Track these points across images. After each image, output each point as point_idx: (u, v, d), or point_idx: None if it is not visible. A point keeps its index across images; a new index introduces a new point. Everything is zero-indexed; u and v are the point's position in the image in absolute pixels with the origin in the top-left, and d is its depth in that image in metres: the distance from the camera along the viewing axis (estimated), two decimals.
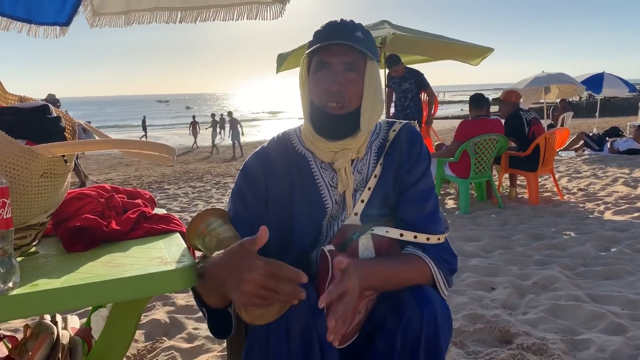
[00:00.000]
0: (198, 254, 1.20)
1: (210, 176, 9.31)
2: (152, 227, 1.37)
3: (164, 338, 2.25)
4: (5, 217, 0.90)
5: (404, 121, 1.29)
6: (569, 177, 6.56)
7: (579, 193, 5.46)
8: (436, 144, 6.24)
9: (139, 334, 2.26)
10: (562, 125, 11.20)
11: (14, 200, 1.03)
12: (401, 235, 1.16)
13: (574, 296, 2.51)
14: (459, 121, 5.21)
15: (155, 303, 2.65)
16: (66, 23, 2.16)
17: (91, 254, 1.19)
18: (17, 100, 1.27)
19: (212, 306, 1.11)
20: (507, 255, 3.34)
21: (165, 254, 1.17)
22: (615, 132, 10.11)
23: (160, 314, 2.49)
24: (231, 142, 16.25)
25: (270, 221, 1.21)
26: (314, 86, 1.15)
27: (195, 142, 19.35)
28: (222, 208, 1.23)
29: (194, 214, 5.30)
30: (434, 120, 7.18)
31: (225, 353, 1.68)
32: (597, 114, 14.17)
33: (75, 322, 1.78)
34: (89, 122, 1.45)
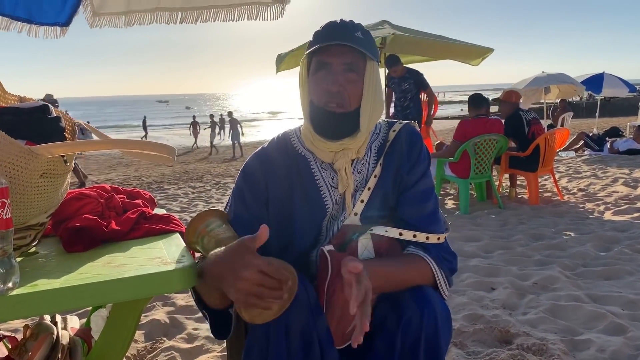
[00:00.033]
0: (198, 254, 1.20)
1: (210, 176, 9.31)
2: (151, 228, 1.37)
3: (164, 338, 2.25)
4: (5, 217, 0.90)
5: (404, 121, 1.29)
6: (569, 177, 6.56)
7: (579, 193, 5.46)
8: (436, 143, 6.24)
9: (139, 334, 2.26)
10: (562, 125, 11.20)
11: (14, 200, 1.03)
12: (400, 234, 1.16)
13: (574, 296, 2.51)
14: (458, 121, 5.21)
15: (155, 303, 2.65)
16: (66, 23, 2.16)
17: (91, 254, 1.19)
18: (17, 100, 1.27)
19: (212, 307, 1.11)
20: (507, 255, 3.34)
21: (165, 254, 1.17)
22: (615, 133, 10.11)
23: (160, 314, 2.49)
24: (231, 143, 16.24)
25: (271, 221, 1.21)
26: (314, 87, 1.15)
27: (195, 142, 19.34)
28: (220, 209, 1.23)
29: (193, 214, 5.30)
30: (434, 121, 7.18)
31: (225, 353, 1.68)
32: (597, 114, 14.17)
33: (75, 322, 1.78)
34: (88, 122, 1.45)
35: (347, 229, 1.18)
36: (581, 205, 4.87)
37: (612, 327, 2.15)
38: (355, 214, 1.20)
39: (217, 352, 2.08)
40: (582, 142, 9.38)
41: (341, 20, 1.17)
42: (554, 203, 5.03)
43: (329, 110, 1.13)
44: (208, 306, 1.12)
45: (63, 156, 1.12)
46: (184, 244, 1.26)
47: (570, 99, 17.32)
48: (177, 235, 1.36)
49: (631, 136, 8.95)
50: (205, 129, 18.75)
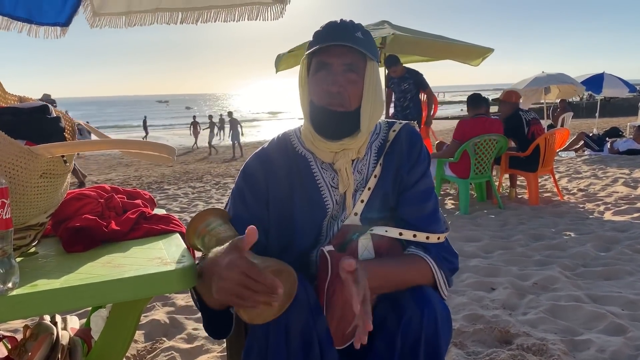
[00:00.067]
0: (198, 254, 1.20)
1: (210, 176, 9.31)
2: (151, 228, 1.36)
3: (164, 338, 2.25)
4: (4, 217, 0.90)
5: (404, 121, 1.29)
6: (569, 177, 6.56)
7: (579, 193, 5.46)
8: (437, 142, 6.24)
9: (139, 335, 2.26)
10: (562, 125, 11.21)
11: (14, 200, 1.03)
12: (400, 234, 1.16)
13: (574, 297, 2.51)
14: (457, 121, 5.22)
15: (155, 303, 2.65)
16: (66, 23, 2.16)
17: (91, 254, 1.19)
18: (17, 100, 1.27)
19: (211, 306, 1.11)
20: (507, 255, 3.34)
21: (164, 254, 1.17)
22: (615, 133, 10.11)
23: (160, 314, 2.49)
24: (231, 143, 16.24)
25: (271, 222, 1.21)
26: (314, 87, 1.15)
27: (195, 142, 19.32)
28: (221, 208, 1.23)
29: (193, 215, 5.26)
30: (434, 121, 7.17)
31: (225, 353, 1.68)
32: (597, 114, 14.17)
33: (74, 322, 1.78)
34: (87, 123, 1.45)
35: (347, 229, 1.18)
36: (581, 206, 4.87)
37: (612, 327, 2.15)
38: (356, 214, 1.20)
39: (217, 352, 2.08)
40: (582, 142, 9.39)
41: (341, 20, 1.17)
42: (554, 203, 5.03)
43: (330, 109, 1.13)
44: (208, 306, 1.12)
45: (63, 156, 1.12)
46: (184, 244, 1.26)
47: (570, 99, 17.32)
48: (177, 235, 1.36)
49: (631, 136, 8.96)
50: (204, 129, 18.74)
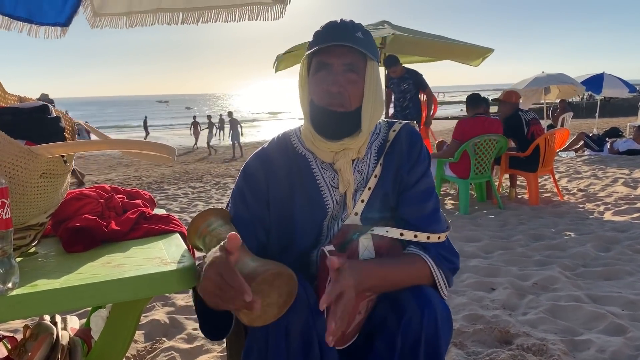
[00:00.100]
0: (199, 254, 1.20)
1: (210, 177, 9.31)
2: (151, 228, 1.36)
3: (164, 339, 2.24)
4: (4, 217, 0.90)
5: (404, 121, 1.29)
6: (568, 177, 6.56)
7: (579, 193, 5.46)
8: (437, 142, 6.24)
9: (139, 335, 2.25)
10: (561, 125, 11.21)
11: (14, 200, 1.03)
12: (401, 234, 1.16)
13: (574, 297, 2.51)
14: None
15: (155, 303, 2.64)
16: (66, 23, 2.16)
17: (91, 254, 1.19)
18: (17, 100, 1.27)
19: (211, 306, 1.11)
20: (507, 255, 3.34)
21: (164, 254, 1.17)
22: (615, 133, 10.11)
23: (160, 314, 2.49)
24: (231, 143, 16.24)
25: (271, 221, 1.21)
26: (315, 87, 1.15)
27: (196, 142, 19.30)
28: (223, 208, 1.23)
29: (193, 215, 5.30)
30: (434, 121, 7.16)
31: (225, 354, 1.68)
32: (597, 114, 14.18)
33: (74, 322, 1.78)
34: (87, 122, 1.45)
35: (347, 228, 1.18)
36: (581, 206, 4.87)
37: (612, 328, 2.15)
38: (356, 214, 1.20)
39: (217, 353, 2.08)
40: (582, 142, 9.39)
41: (341, 20, 1.17)
42: (554, 203, 5.03)
43: (330, 110, 1.13)
44: (209, 307, 1.12)
45: (63, 156, 1.12)
46: (184, 244, 1.26)
47: (570, 99, 17.32)
48: (177, 235, 1.36)
49: (631, 136, 8.96)
50: (203, 129, 18.74)
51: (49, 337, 1.34)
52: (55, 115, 1.22)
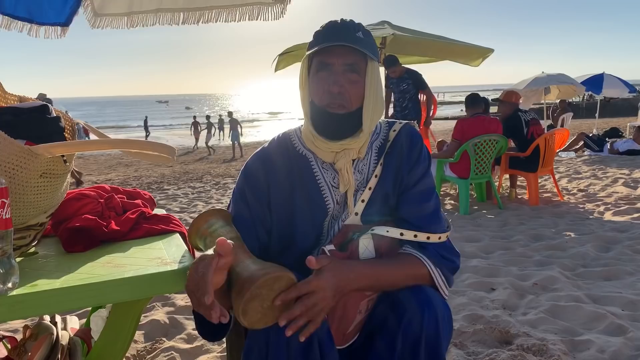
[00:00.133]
0: (199, 254, 1.20)
1: (210, 177, 9.31)
2: (151, 228, 1.36)
3: (164, 339, 2.24)
4: (4, 217, 0.90)
5: (404, 121, 1.29)
6: (568, 177, 6.56)
7: (579, 194, 5.46)
8: (437, 141, 6.24)
9: (139, 335, 2.25)
10: (561, 125, 11.21)
11: (14, 200, 1.02)
12: (401, 234, 1.16)
13: (573, 297, 2.50)
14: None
15: (155, 303, 2.64)
16: (66, 23, 2.16)
17: (91, 254, 1.19)
18: (17, 100, 1.27)
19: None
20: (507, 256, 3.34)
21: (164, 254, 1.17)
22: (615, 133, 10.12)
23: (160, 314, 2.49)
24: (231, 143, 16.23)
25: (272, 222, 1.21)
26: (315, 87, 1.15)
27: (196, 142, 19.28)
28: (224, 209, 1.23)
29: (193, 215, 5.30)
30: (433, 121, 7.15)
31: (225, 354, 1.68)
32: (597, 114, 14.18)
33: (74, 322, 1.78)
34: (86, 122, 1.44)
35: (348, 228, 1.18)
36: (581, 206, 4.87)
37: (612, 328, 2.15)
38: (356, 214, 1.19)
39: (217, 353, 2.08)
40: (582, 142, 9.39)
41: (342, 20, 1.16)
42: (554, 203, 5.03)
43: (331, 111, 1.13)
44: None
45: (63, 156, 1.12)
46: (184, 244, 1.26)
47: (570, 100, 17.32)
48: (177, 235, 1.36)
49: (631, 137, 8.96)
50: (203, 129, 18.74)
51: (48, 337, 1.34)
52: (55, 115, 1.22)
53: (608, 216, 4.39)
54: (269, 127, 33.22)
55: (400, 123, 1.27)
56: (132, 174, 10.66)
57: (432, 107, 6.64)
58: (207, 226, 1.13)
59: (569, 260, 3.13)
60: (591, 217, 4.41)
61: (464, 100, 5.18)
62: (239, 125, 16.21)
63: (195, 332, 2.28)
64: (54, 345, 1.34)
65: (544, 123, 9.64)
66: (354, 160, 1.21)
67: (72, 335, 1.51)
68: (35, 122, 1.16)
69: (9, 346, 1.45)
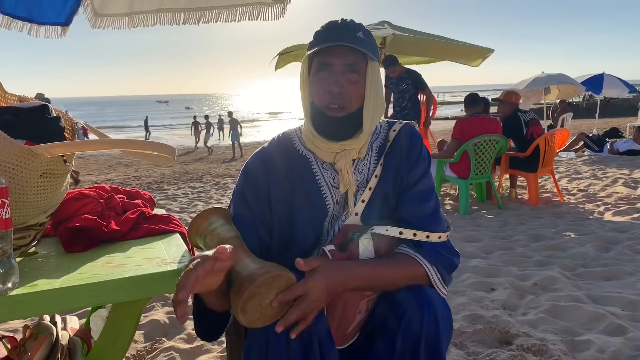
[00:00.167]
0: (199, 253, 1.20)
1: (210, 177, 9.31)
2: (151, 228, 1.37)
3: (164, 339, 2.24)
4: (4, 217, 0.90)
5: (404, 121, 1.29)
6: (568, 177, 6.56)
7: (579, 194, 5.46)
8: (438, 141, 6.24)
9: (139, 335, 2.25)
10: (561, 126, 11.21)
11: (13, 200, 1.02)
12: (400, 233, 1.16)
13: (573, 297, 2.50)
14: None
15: (154, 303, 2.64)
16: (66, 23, 2.16)
17: (90, 254, 1.19)
18: (17, 100, 1.27)
19: (213, 308, 1.11)
20: (507, 256, 3.34)
21: (164, 254, 1.17)
22: (615, 133, 10.12)
23: (159, 314, 2.49)
24: (231, 143, 16.23)
25: (273, 221, 1.21)
26: (315, 87, 1.15)
27: (197, 142, 19.28)
28: (224, 208, 1.22)
29: (193, 215, 5.30)
30: (433, 122, 7.15)
31: (225, 354, 1.68)
32: (597, 114, 14.18)
33: (74, 322, 1.78)
34: (86, 122, 1.44)
35: (348, 229, 1.18)
36: (581, 206, 4.87)
37: (612, 328, 2.15)
38: (356, 214, 1.19)
39: (217, 353, 2.08)
40: (582, 142, 9.39)
41: (342, 20, 1.16)
42: (554, 203, 5.03)
43: (331, 115, 1.13)
44: (210, 307, 1.12)
45: (63, 156, 1.12)
46: (184, 244, 1.26)
47: (570, 100, 17.32)
48: (177, 235, 1.36)
49: (631, 137, 8.96)
50: (203, 129, 18.75)
51: (48, 337, 1.34)
52: (55, 114, 1.22)
53: (608, 216, 4.39)
54: (269, 127, 33.22)
55: (400, 123, 1.27)
56: (132, 174, 10.66)
57: (432, 108, 6.63)
58: (207, 225, 1.13)
59: (569, 261, 3.13)
60: (591, 217, 4.41)
61: (463, 100, 5.19)
62: (239, 125, 16.22)
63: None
64: (54, 345, 1.34)
65: (544, 123, 9.64)
66: (354, 161, 1.21)
67: (72, 335, 1.51)
68: (35, 122, 1.16)
69: (8, 346, 1.45)
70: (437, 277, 1.16)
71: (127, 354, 1.96)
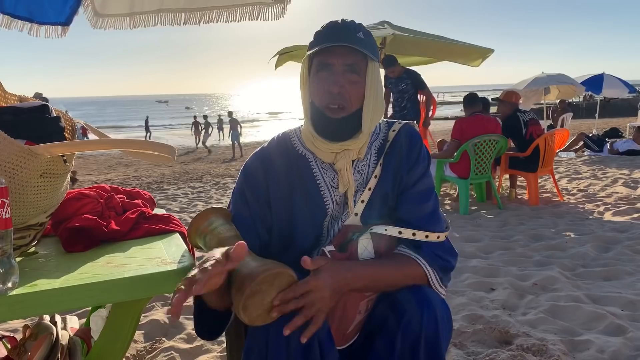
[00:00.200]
0: (199, 253, 1.20)
1: (210, 177, 9.31)
2: (151, 228, 1.37)
3: (164, 338, 2.24)
4: (4, 217, 0.90)
5: (403, 121, 1.29)
6: (568, 178, 6.56)
7: (579, 194, 5.46)
8: (438, 141, 6.24)
9: (139, 335, 2.25)
10: (561, 126, 11.21)
11: (13, 200, 1.03)
12: (400, 232, 1.16)
13: (573, 297, 2.51)
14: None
15: (154, 303, 2.64)
16: (66, 22, 2.16)
17: (90, 254, 1.19)
18: (17, 100, 1.27)
19: (213, 307, 1.11)
20: (506, 256, 3.34)
21: (164, 254, 1.17)
22: (615, 133, 10.12)
23: (159, 314, 2.49)
24: (231, 143, 16.23)
25: (273, 221, 1.21)
26: (315, 88, 1.15)
27: (197, 142, 19.27)
28: (224, 207, 1.22)
29: (193, 215, 5.29)
30: (433, 122, 7.15)
31: (225, 354, 1.68)
32: (596, 114, 14.18)
33: (74, 322, 1.78)
34: (86, 122, 1.44)
35: (347, 229, 1.18)
36: (581, 206, 4.87)
37: (612, 328, 2.15)
38: (356, 214, 1.19)
39: (217, 353, 2.08)
40: (581, 142, 9.39)
41: (342, 20, 1.16)
42: (554, 204, 5.03)
43: (331, 117, 1.13)
44: (210, 307, 1.12)
45: (63, 156, 1.12)
46: (184, 244, 1.26)
47: (570, 100, 17.32)
48: (177, 235, 1.36)
49: (631, 137, 8.96)
50: (203, 129, 18.75)
51: (48, 337, 1.34)
52: (55, 114, 1.22)
53: (608, 216, 4.40)
54: (269, 127, 33.21)
55: (399, 123, 1.27)
56: (132, 173, 10.66)
57: (432, 108, 6.63)
58: (207, 224, 1.13)
59: (568, 261, 3.13)
60: (591, 217, 4.41)
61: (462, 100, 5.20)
62: (238, 125, 16.21)
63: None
64: (54, 345, 1.34)
65: (544, 123, 9.65)
66: (353, 161, 1.21)
67: (72, 335, 1.51)
68: (35, 122, 1.16)
69: (8, 346, 1.45)
70: (436, 278, 1.16)
71: (127, 354, 1.96)
